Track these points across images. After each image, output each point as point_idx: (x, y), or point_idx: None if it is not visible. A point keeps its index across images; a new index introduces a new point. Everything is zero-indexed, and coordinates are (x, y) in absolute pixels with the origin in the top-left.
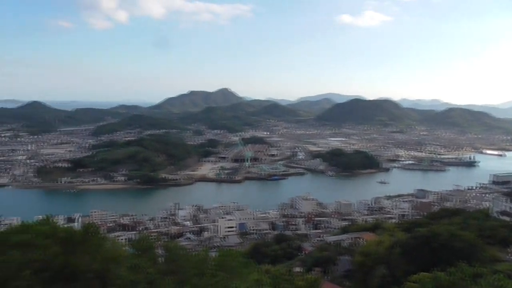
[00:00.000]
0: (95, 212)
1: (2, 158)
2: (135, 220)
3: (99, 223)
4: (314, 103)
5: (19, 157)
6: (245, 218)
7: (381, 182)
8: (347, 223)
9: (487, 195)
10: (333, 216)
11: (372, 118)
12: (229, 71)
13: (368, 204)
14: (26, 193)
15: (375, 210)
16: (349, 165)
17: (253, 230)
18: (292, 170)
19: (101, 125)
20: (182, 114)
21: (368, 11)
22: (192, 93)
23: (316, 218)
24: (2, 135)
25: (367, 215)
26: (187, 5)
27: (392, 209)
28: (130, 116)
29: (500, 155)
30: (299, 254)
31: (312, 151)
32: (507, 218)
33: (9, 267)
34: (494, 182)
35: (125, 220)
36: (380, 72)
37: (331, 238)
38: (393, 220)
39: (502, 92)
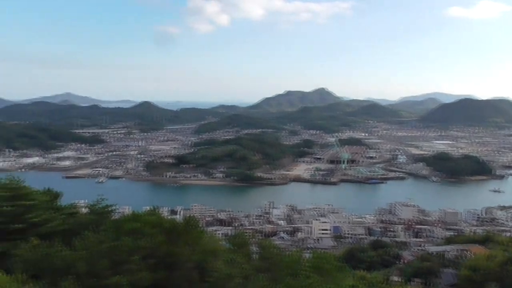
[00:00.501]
0: (195, 206)
1: (117, 152)
2: (231, 216)
3: (199, 216)
4: (418, 103)
5: (131, 152)
6: (340, 221)
7: (495, 191)
8: (452, 233)
9: None
10: (436, 225)
11: (484, 119)
12: (327, 70)
13: (478, 214)
14: (136, 185)
15: (486, 221)
16: (456, 170)
17: (348, 234)
18: (391, 174)
19: (203, 124)
20: (279, 113)
21: (482, 2)
22: (289, 93)
23: (417, 226)
24: (118, 132)
25: (476, 226)
26: (286, 5)
27: (507, 221)
28: (229, 116)
29: None
30: (397, 262)
31: (414, 154)
32: None
33: (122, 251)
34: None
35: (222, 216)
36: (496, 69)
37: (433, 248)
38: (508, 234)
39: None
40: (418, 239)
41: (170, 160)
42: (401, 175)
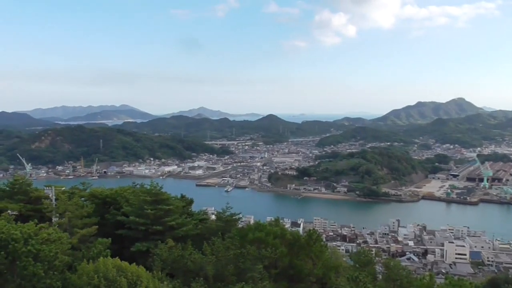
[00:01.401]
0: (317, 219)
1: (243, 163)
2: (354, 232)
3: (320, 230)
4: None
5: (256, 163)
6: (480, 247)
7: None
8: None
9: None
10: None
11: None
12: (465, 78)
13: None
14: (260, 195)
15: None
16: None
17: (491, 261)
18: None
19: (326, 136)
20: (408, 126)
21: None
22: (420, 104)
23: None
24: (244, 143)
25: None
26: (420, 11)
27: None
28: (354, 128)
29: None
30: None
31: None
32: None
33: (247, 259)
34: None
35: (345, 231)
36: None
37: None
38: None
39: None
40: None
41: (293, 172)
42: None
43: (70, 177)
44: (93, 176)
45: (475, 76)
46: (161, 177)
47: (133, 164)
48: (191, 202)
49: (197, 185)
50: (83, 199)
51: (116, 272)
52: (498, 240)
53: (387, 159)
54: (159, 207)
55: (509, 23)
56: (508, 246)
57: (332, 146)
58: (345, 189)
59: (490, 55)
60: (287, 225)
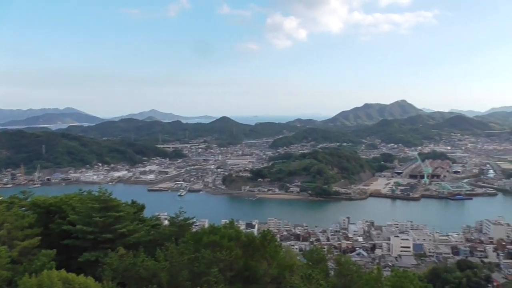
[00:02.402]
0: (271, 220)
1: (197, 166)
2: (307, 231)
3: (275, 231)
4: (511, 114)
5: (210, 166)
6: (422, 239)
7: None
8: None
9: None
10: None
11: None
12: (408, 82)
13: None
14: (214, 198)
15: None
16: None
17: (431, 252)
18: (479, 190)
19: (279, 138)
20: (356, 127)
21: None
22: (367, 105)
23: (509, 246)
24: (198, 146)
25: None
26: (366, 17)
27: None
28: (305, 129)
29: None
30: (487, 285)
31: (506, 169)
32: None
33: (202, 263)
34: None
35: (298, 230)
36: None
37: None
38: None
39: None
40: (511, 261)
41: (247, 174)
42: (491, 191)
43: (8, 185)
44: (35, 184)
45: (416, 79)
46: (110, 183)
47: (80, 170)
48: (142, 207)
49: (149, 190)
50: (23, 208)
51: (62, 285)
52: (438, 232)
53: (337, 159)
54: (108, 214)
55: (444, 31)
56: (446, 237)
57: (285, 147)
58: (298, 189)
59: (428, 60)
60: (242, 227)
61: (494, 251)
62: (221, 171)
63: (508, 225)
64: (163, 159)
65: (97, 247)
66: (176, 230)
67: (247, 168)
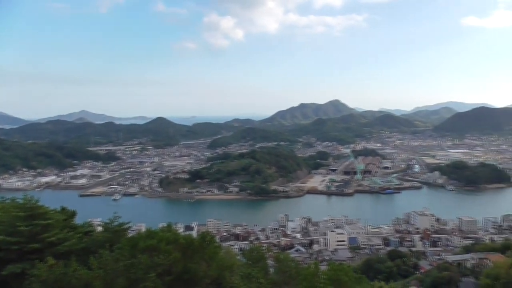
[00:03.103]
0: (210, 221)
1: (132, 169)
2: (247, 230)
3: (214, 232)
4: (432, 112)
5: (146, 169)
6: (356, 232)
7: None
8: (470, 242)
9: None
10: (454, 233)
11: (501, 127)
12: (341, 82)
13: (496, 222)
14: (151, 201)
15: (505, 229)
16: (473, 179)
17: (365, 245)
18: (407, 184)
19: (217, 138)
20: (293, 126)
21: (498, 11)
22: (303, 105)
23: (434, 235)
24: (133, 148)
25: (495, 234)
26: (301, 19)
27: None
28: (243, 129)
29: None
30: (415, 272)
31: (429, 163)
32: None
33: (138, 269)
34: None
35: (238, 230)
36: (510, 76)
37: (452, 258)
38: None
39: None
40: (435, 248)
41: (185, 176)
42: (416, 185)
43: None
44: None
45: (348, 80)
46: (37, 189)
47: (2, 177)
48: (73, 214)
49: (80, 196)
50: None
51: None
52: (370, 225)
53: (275, 158)
54: (35, 223)
55: (373, 34)
56: (378, 230)
57: (223, 147)
58: (237, 189)
59: (359, 62)
60: (181, 230)
61: (420, 240)
62: (158, 173)
63: (432, 215)
64: (95, 163)
65: (23, 258)
66: (110, 236)
67: (185, 170)
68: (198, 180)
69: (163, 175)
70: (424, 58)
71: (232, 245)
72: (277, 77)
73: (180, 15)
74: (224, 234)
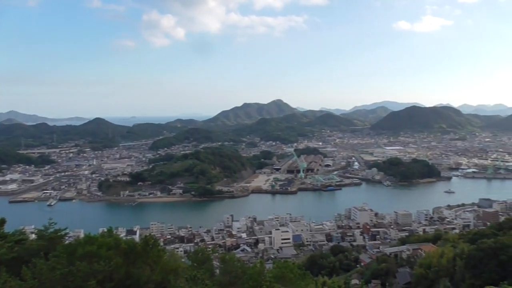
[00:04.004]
0: (154, 224)
1: (68, 173)
2: (192, 232)
3: (158, 235)
4: (370, 111)
5: (84, 172)
6: (300, 230)
7: (448, 192)
8: (405, 234)
9: None
10: (390, 227)
11: (430, 125)
12: (283, 82)
13: (428, 214)
14: (90, 206)
15: (436, 221)
16: (407, 174)
17: (309, 241)
18: (347, 181)
19: (159, 139)
20: (236, 126)
21: (426, 16)
22: (246, 105)
23: (373, 229)
24: (69, 151)
25: (427, 225)
26: (242, 19)
27: (454, 219)
28: (186, 130)
29: None
30: (356, 266)
31: (368, 160)
32: None
33: (77, 277)
34: None
35: (183, 232)
36: (439, 78)
37: (389, 250)
38: (455, 231)
39: None
40: (374, 242)
41: (126, 178)
42: (356, 181)
43: None
44: None
45: (290, 80)
46: None
47: None
48: (2, 222)
49: (10, 202)
50: None
51: None
52: (314, 222)
53: (219, 158)
54: None
55: (313, 35)
56: (321, 226)
57: (165, 148)
58: (181, 191)
59: (300, 62)
60: (122, 234)
61: (361, 235)
62: (97, 176)
63: (371, 210)
64: (27, 166)
65: None
66: (45, 244)
67: (125, 172)
68: (140, 183)
69: (103, 178)
70: (361, 60)
71: (177, 248)
72: (220, 77)
73: (117, 12)
74: (168, 237)
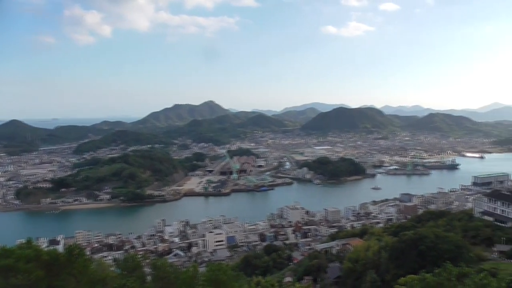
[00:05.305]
0: (79, 233)
1: None
2: (121, 239)
3: (84, 244)
4: (300, 112)
5: None
6: (234, 231)
7: (375, 188)
8: (335, 230)
9: (469, 196)
10: (321, 224)
11: (356, 125)
12: (215, 83)
13: (355, 210)
14: (6, 216)
15: (362, 216)
16: (335, 172)
17: (243, 242)
18: (279, 180)
19: (84, 142)
20: (167, 128)
21: (352, 22)
22: (177, 106)
23: (304, 227)
24: None
25: (354, 221)
26: (173, 18)
27: (379, 214)
28: (114, 132)
29: (481, 158)
30: (289, 263)
31: (298, 160)
32: (489, 218)
33: None
34: (475, 184)
35: (111, 240)
36: (363, 80)
37: (320, 246)
38: (380, 225)
39: (481, 97)
40: (306, 239)
41: (47, 185)
42: (288, 181)
43: None
44: None
45: (222, 81)
46: None
47: None
48: None
49: None
50: None
51: None
52: (247, 223)
53: (150, 161)
54: None
55: (244, 37)
56: (254, 226)
57: (91, 152)
58: (109, 196)
59: (232, 63)
60: (44, 245)
61: (293, 233)
62: (14, 183)
63: (303, 208)
64: None
65: None
66: None
67: (46, 178)
68: (63, 189)
69: (21, 185)
70: (291, 62)
71: (105, 256)
72: (150, 77)
73: (36, 5)
74: (96, 245)
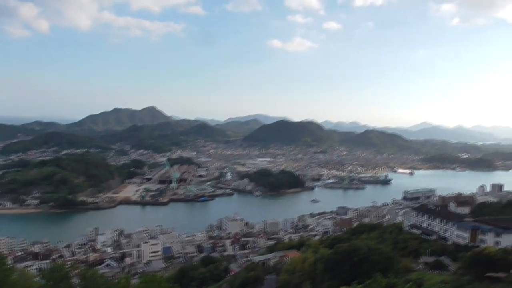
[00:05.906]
0: (1, 239)
1: None
2: (48, 247)
3: (6, 252)
4: (243, 123)
5: None
6: (171, 242)
7: (314, 201)
8: (273, 242)
9: (399, 210)
10: (260, 235)
11: (297, 139)
12: (158, 89)
13: (293, 223)
14: None
15: (300, 228)
16: (275, 184)
17: (179, 253)
18: (220, 191)
19: (12, 142)
20: (105, 132)
21: (297, 38)
22: (117, 110)
23: (243, 239)
24: None
25: (293, 233)
26: (117, 19)
27: (316, 226)
28: (46, 134)
29: (410, 173)
30: (226, 275)
31: (240, 171)
32: (417, 231)
33: None
34: (405, 198)
35: (37, 248)
36: (306, 95)
37: (258, 258)
38: (317, 237)
39: (412, 116)
40: (244, 251)
41: None
42: (228, 192)
43: None
44: None
45: (165, 87)
46: None
47: None
48: None
49: None
50: None
51: None
52: (185, 234)
53: (84, 166)
54: None
55: (190, 44)
56: (192, 237)
57: (20, 153)
58: (37, 201)
59: (176, 70)
60: None
61: (231, 245)
62: None
63: (242, 220)
64: None
65: None
66: None
67: None
68: None
69: None
70: (236, 72)
71: (30, 266)
72: (89, 78)
73: None
74: (19, 253)
